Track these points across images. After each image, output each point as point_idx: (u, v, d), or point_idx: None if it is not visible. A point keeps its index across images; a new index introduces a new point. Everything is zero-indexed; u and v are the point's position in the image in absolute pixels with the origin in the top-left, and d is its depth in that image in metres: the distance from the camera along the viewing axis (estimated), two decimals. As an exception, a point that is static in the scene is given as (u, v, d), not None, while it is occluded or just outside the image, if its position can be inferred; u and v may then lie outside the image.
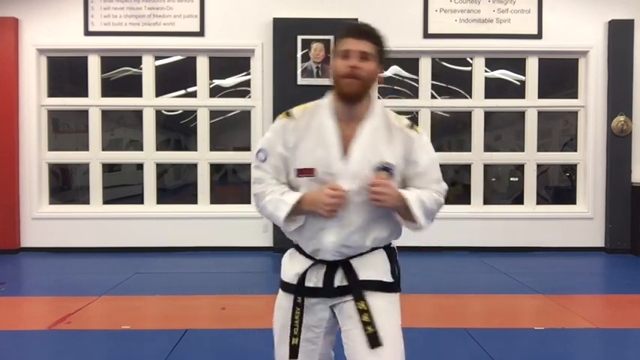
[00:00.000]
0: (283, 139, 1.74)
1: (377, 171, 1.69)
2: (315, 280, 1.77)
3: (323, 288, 1.76)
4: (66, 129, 7.01)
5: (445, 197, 1.84)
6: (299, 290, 1.77)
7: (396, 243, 1.95)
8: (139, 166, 6.70)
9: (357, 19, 6.30)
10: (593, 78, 6.52)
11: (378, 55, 1.70)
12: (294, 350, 1.76)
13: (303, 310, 1.76)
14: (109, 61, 6.65)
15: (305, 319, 1.77)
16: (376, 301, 1.73)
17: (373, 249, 1.80)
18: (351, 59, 1.66)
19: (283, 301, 1.82)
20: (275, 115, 6.05)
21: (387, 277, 1.78)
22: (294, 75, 6.27)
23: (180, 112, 6.90)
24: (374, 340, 1.67)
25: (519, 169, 6.83)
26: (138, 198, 6.69)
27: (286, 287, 1.82)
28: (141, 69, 6.61)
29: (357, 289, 1.73)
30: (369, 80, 1.69)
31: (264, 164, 1.77)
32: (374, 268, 1.77)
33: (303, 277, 1.77)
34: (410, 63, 6.69)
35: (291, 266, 1.83)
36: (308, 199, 1.69)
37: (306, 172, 1.72)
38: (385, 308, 1.74)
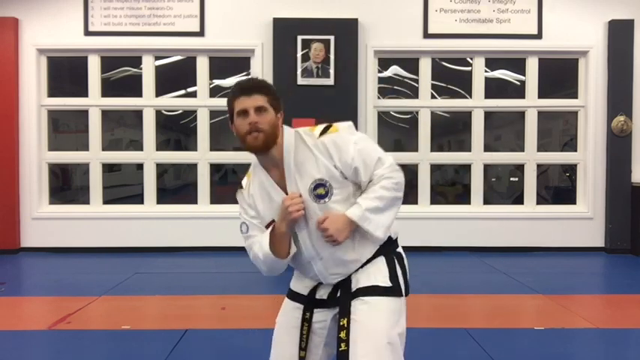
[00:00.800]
0: (247, 208, 1.91)
1: (313, 191, 1.76)
2: (322, 293, 1.88)
3: (328, 299, 1.85)
4: (66, 129, 7.01)
5: (397, 171, 1.79)
6: (308, 303, 1.86)
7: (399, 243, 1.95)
8: (139, 166, 6.70)
9: (357, 20, 6.32)
10: (593, 78, 6.52)
11: (272, 103, 1.78)
12: None
13: (311, 325, 1.85)
14: (109, 61, 6.65)
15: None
16: (364, 310, 1.75)
17: (373, 257, 1.84)
18: (249, 116, 1.74)
19: (289, 307, 1.92)
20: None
21: (385, 282, 1.81)
22: (294, 75, 6.27)
23: (180, 112, 6.90)
24: (344, 358, 1.72)
25: (519, 169, 6.83)
26: (138, 198, 6.69)
27: (294, 296, 1.93)
28: (141, 69, 6.61)
29: (345, 305, 1.78)
30: (271, 129, 1.77)
31: (249, 233, 1.92)
32: (370, 275, 1.82)
33: (313, 291, 1.88)
34: (410, 63, 6.69)
35: (301, 279, 1.94)
36: (277, 220, 1.79)
37: (270, 225, 1.84)
38: (369, 318, 1.74)
